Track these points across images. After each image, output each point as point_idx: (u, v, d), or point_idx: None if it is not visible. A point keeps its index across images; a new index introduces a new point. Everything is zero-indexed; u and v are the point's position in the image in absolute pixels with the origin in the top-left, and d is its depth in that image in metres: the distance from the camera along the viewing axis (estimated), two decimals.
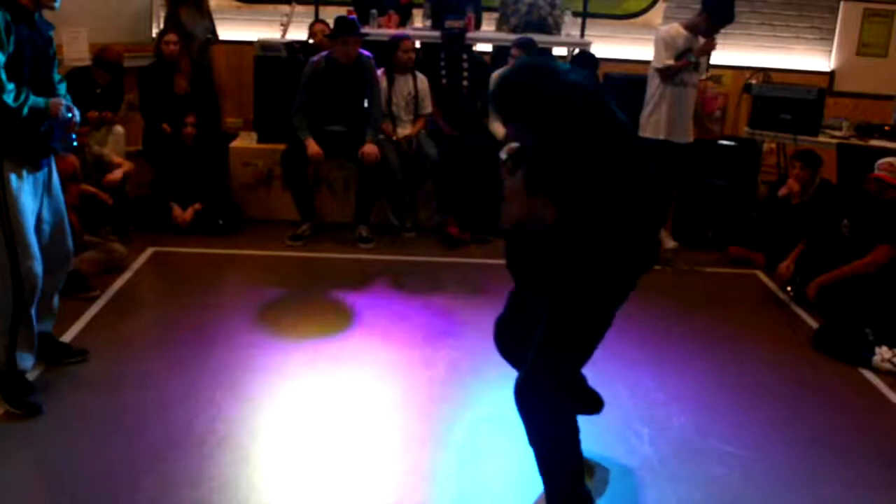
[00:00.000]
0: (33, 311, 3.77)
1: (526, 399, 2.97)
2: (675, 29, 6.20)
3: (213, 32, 7.50)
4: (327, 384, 4.17)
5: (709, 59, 6.37)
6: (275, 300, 5.24)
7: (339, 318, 4.99)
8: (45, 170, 3.81)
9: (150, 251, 5.91)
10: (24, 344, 3.77)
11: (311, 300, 5.30)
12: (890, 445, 3.93)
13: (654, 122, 6.25)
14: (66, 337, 4.42)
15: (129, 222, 6.05)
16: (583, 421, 3.89)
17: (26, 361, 3.82)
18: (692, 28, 6.15)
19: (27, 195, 3.65)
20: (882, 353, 4.68)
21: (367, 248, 6.25)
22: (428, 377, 4.30)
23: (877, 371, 4.64)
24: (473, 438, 3.79)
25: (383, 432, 3.76)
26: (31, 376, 3.97)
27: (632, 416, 4.00)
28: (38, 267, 3.70)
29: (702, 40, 6.16)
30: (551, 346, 2.95)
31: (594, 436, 3.81)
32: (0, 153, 3.52)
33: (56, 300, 4.11)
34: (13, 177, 3.57)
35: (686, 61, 6.07)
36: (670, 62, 6.08)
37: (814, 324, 5.20)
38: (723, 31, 6.33)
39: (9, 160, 3.55)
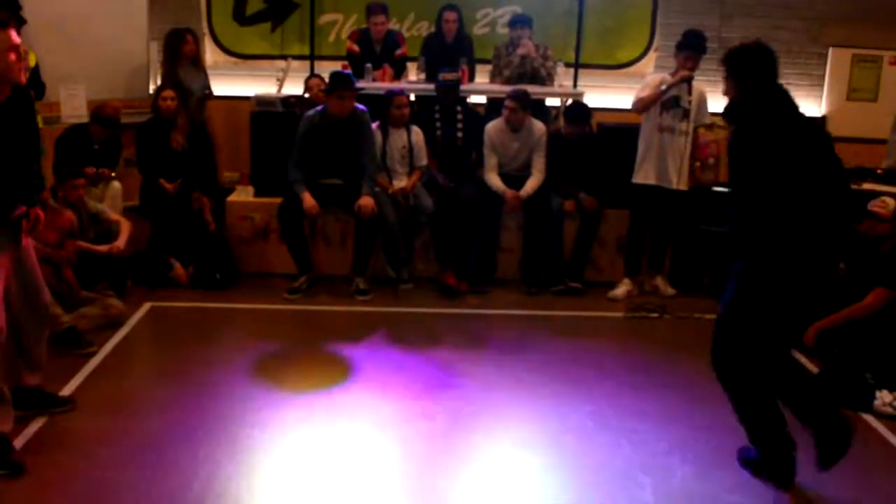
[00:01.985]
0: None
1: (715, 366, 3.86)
2: (662, 77, 6.31)
3: (208, 88, 7.59)
4: (326, 437, 4.14)
5: (705, 105, 6.40)
6: (273, 354, 5.22)
7: (337, 371, 4.97)
8: (14, 227, 3.76)
9: (147, 306, 5.91)
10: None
11: (309, 353, 5.29)
12: (893, 489, 3.90)
13: (644, 169, 6.33)
14: (63, 393, 4.39)
15: (125, 278, 6.04)
16: (582, 471, 3.88)
17: (3, 424, 3.75)
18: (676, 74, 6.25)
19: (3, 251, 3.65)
20: (883, 396, 4.66)
21: (365, 301, 6.25)
22: (427, 429, 4.27)
23: (878, 415, 4.62)
24: (473, 492, 3.76)
25: (382, 485, 3.73)
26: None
27: (633, 465, 3.97)
28: (3, 318, 3.66)
29: (695, 83, 6.25)
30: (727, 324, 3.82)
31: (595, 486, 3.78)
32: None
33: (38, 352, 4.07)
34: None
35: (659, 92, 6.15)
36: (643, 94, 6.20)
37: (813, 369, 5.18)
38: (714, 78, 6.35)
39: None
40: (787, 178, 3.59)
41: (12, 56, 3.46)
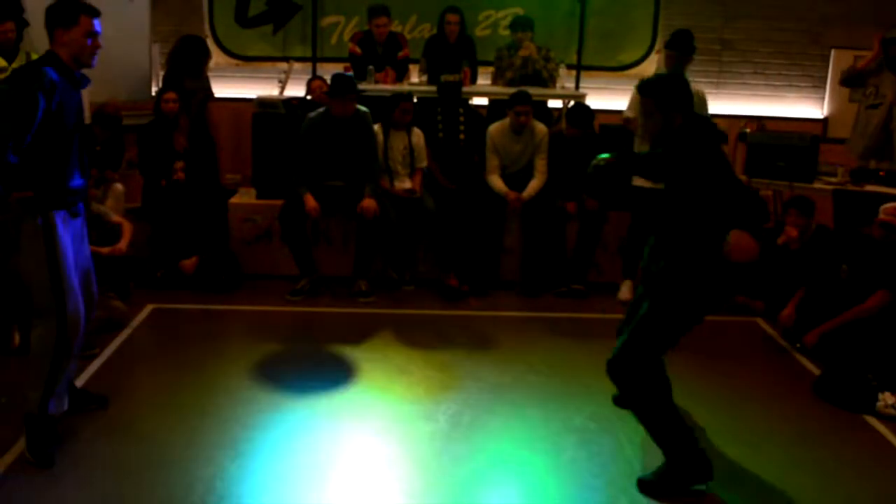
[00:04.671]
0: (73, 354, 3.89)
1: (618, 374, 3.77)
2: None
3: (209, 90, 7.59)
4: (328, 439, 4.15)
5: (705, 107, 6.38)
6: (275, 356, 5.22)
7: (339, 373, 4.97)
8: (81, 217, 3.97)
9: (149, 308, 5.91)
10: (61, 388, 3.87)
11: (311, 355, 5.29)
12: None
13: None
14: None
15: (128, 279, 6.05)
16: (584, 473, 3.88)
17: (61, 405, 3.91)
18: None
19: (69, 241, 3.81)
20: (885, 398, 4.65)
21: (367, 302, 6.25)
22: (429, 431, 4.27)
23: (880, 417, 4.61)
24: (475, 493, 3.76)
25: (384, 488, 3.73)
26: None
27: (634, 465, 3.97)
28: (83, 311, 3.85)
29: (694, 85, 6.22)
30: (643, 335, 3.72)
31: (597, 488, 3.78)
32: (47, 204, 3.71)
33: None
34: (59, 223, 3.74)
35: None
36: (633, 115, 6.18)
37: (815, 371, 5.18)
38: (717, 80, 6.37)
39: (55, 209, 3.74)
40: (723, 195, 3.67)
41: (88, 41, 3.75)
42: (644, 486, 3.79)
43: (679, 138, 3.73)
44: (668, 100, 3.75)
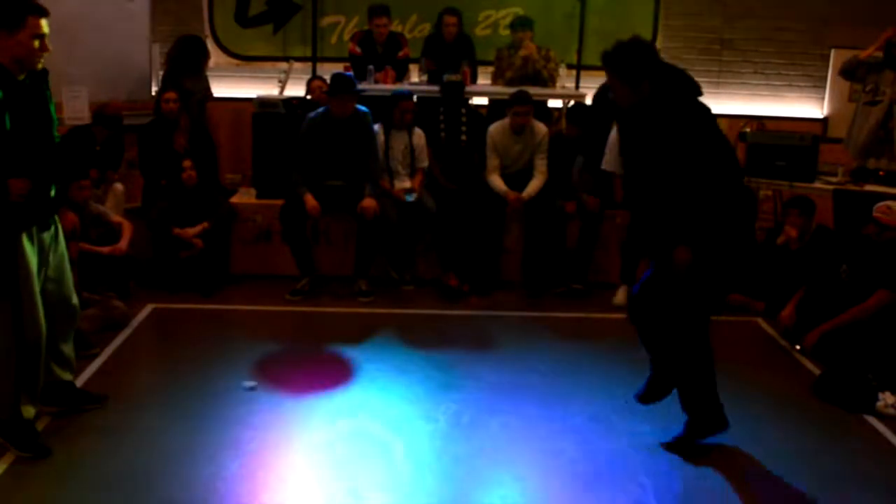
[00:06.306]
0: (39, 363, 3.85)
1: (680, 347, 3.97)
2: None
3: (208, 90, 7.58)
4: (327, 439, 4.14)
5: None
6: (275, 355, 5.22)
7: (338, 373, 4.97)
8: (52, 226, 3.93)
9: (149, 308, 5.91)
10: (27, 395, 3.84)
11: (311, 355, 5.29)
12: None
13: None
14: None
15: (128, 279, 6.05)
16: (585, 472, 3.88)
17: (28, 412, 3.87)
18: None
19: (32, 252, 3.75)
20: (885, 398, 4.65)
21: (367, 302, 6.25)
22: (429, 431, 4.27)
23: (880, 417, 4.60)
24: (475, 493, 3.75)
25: (384, 487, 3.73)
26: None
27: (635, 466, 3.97)
28: (41, 320, 3.79)
29: None
30: (689, 303, 3.90)
31: (597, 488, 3.78)
32: (15, 223, 3.65)
33: (68, 350, 4.18)
34: (27, 244, 3.70)
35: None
36: (612, 168, 6.13)
37: (815, 370, 5.17)
38: (717, 80, 6.35)
39: (23, 227, 3.69)
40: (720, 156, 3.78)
41: (35, 43, 3.60)
42: (668, 446, 4.09)
43: (651, 105, 3.71)
44: (630, 71, 3.70)
